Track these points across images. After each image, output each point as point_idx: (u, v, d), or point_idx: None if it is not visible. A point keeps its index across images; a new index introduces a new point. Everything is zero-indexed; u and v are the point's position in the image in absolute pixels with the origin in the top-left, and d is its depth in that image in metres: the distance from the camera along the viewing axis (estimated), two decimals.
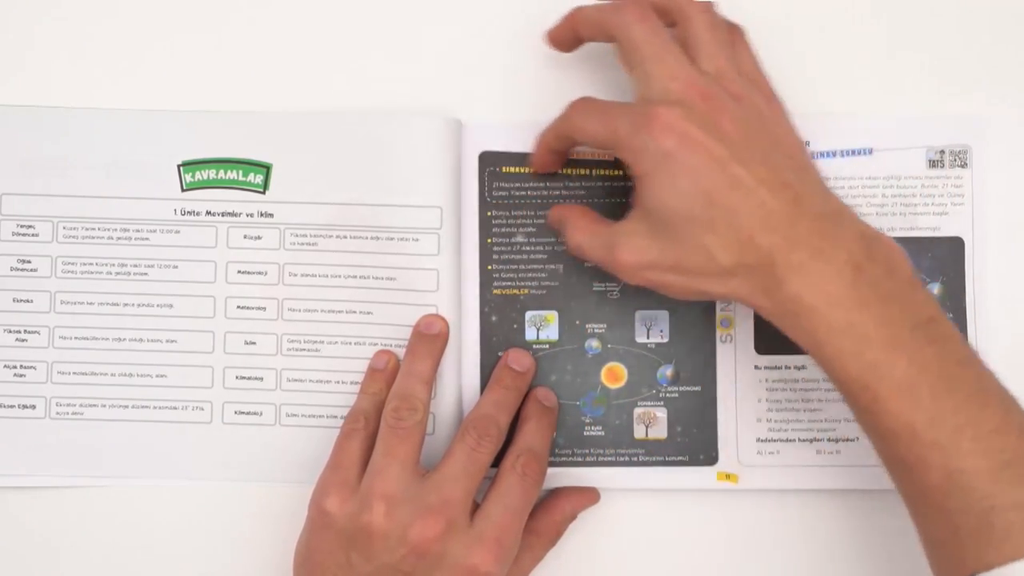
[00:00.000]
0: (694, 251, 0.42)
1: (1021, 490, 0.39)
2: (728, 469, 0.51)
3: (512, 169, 0.52)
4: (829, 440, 0.51)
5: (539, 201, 0.52)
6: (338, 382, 0.51)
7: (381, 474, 0.45)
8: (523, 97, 0.53)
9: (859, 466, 0.51)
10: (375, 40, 0.53)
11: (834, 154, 0.52)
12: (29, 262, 0.51)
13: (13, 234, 0.51)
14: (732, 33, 0.46)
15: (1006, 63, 0.52)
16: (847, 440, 0.51)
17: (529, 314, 0.52)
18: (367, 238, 0.51)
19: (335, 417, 0.51)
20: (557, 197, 0.52)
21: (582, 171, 0.52)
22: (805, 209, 0.42)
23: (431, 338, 0.50)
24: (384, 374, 0.50)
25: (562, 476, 0.51)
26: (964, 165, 0.51)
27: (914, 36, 0.52)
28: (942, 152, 0.51)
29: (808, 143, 0.51)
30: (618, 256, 0.44)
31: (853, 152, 0.51)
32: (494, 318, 0.52)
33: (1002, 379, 0.42)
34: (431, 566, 0.44)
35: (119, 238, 0.51)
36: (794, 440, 0.51)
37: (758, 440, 0.51)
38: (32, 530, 0.52)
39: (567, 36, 0.48)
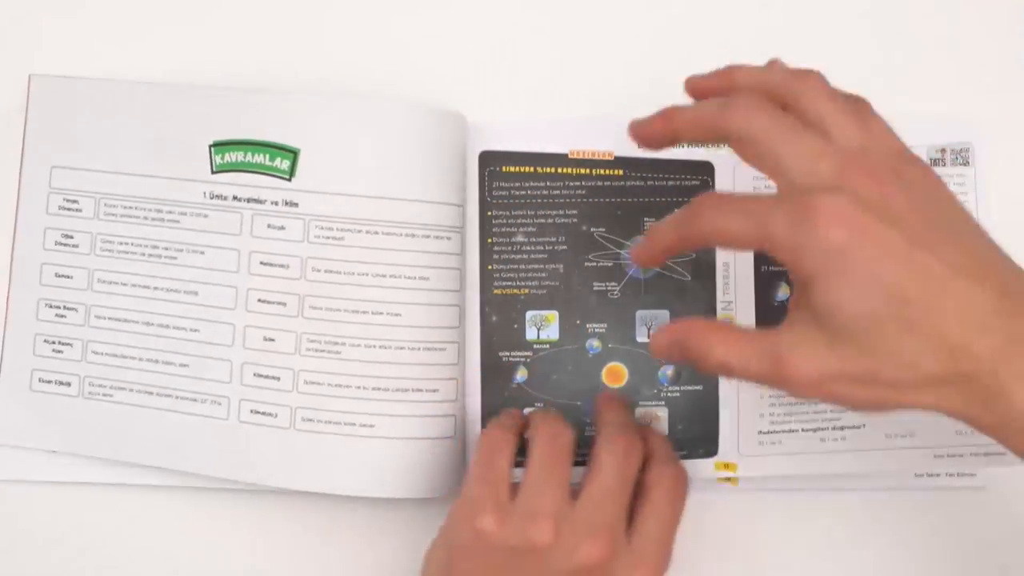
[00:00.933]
0: (890, 359, 0.35)
1: None
2: (727, 459, 0.52)
3: (512, 168, 0.52)
4: (834, 428, 0.51)
5: (539, 201, 0.52)
6: (358, 387, 0.50)
7: (544, 492, 0.44)
8: (523, 96, 0.52)
9: (866, 450, 0.51)
10: (371, 40, 0.53)
11: None
12: (72, 237, 0.51)
13: (60, 208, 0.51)
14: (856, 103, 0.40)
15: (1008, 61, 0.51)
16: (854, 427, 0.51)
17: (530, 314, 0.52)
18: (401, 235, 0.50)
19: (353, 424, 0.50)
20: (558, 196, 0.52)
21: (583, 170, 0.51)
22: (1017, 299, 0.36)
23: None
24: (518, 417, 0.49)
25: None
26: (966, 163, 0.51)
27: (916, 34, 0.52)
28: (943, 150, 0.51)
29: None
30: (790, 370, 0.36)
31: None
32: (494, 318, 0.52)
33: None
34: None
35: (153, 219, 0.51)
36: (797, 430, 0.52)
37: (760, 432, 0.52)
38: (41, 529, 0.53)
39: (661, 137, 0.41)
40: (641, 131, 0.41)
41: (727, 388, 0.52)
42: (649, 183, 0.52)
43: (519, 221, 0.52)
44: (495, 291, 0.52)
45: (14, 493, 0.52)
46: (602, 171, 0.52)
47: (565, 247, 0.50)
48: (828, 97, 0.39)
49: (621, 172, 0.51)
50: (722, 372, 0.38)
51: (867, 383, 0.36)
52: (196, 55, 0.53)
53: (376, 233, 0.50)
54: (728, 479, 0.52)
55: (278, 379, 0.50)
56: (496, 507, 0.44)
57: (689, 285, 0.52)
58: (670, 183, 0.52)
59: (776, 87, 0.39)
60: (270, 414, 0.50)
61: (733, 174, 0.52)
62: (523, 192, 0.52)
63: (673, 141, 0.41)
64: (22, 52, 0.53)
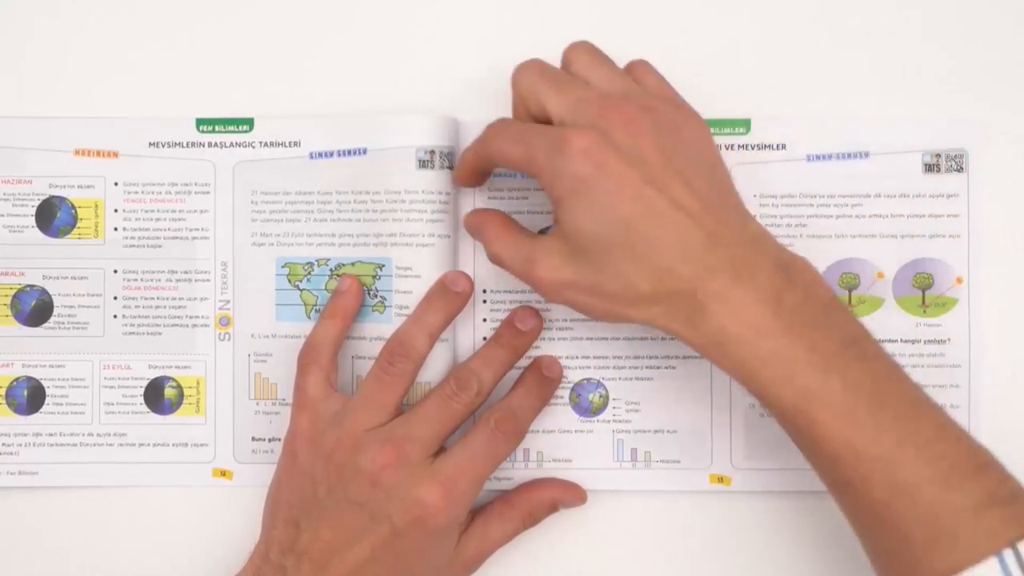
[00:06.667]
0: (613, 277, 0.42)
1: (964, 494, 0.39)
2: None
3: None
4: None
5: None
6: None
7: (355, 414, 0.47)
8: None
9: None
10: (369, 41, 0.53)
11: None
12: None
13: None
14: (631, 62, 0.47)
15: (1004, 67, 0.52)
16: None
17: None
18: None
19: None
20: None
21: None
22: (724, 235, 0.42)
23: (452, 294, 0.49)
24: (355, 301, 0.51)
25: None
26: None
27: (911, 40, 0.52)
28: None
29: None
30: (536, 272, 0.44)
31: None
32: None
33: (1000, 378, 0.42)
34: (385, 498, 0.45)
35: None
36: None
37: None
38: (46, 532, 0.53)
39: (471, 176, 0.49)
40: (459, 179, 0.49)
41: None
42: None
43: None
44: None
45: (13, 493, 0.52)
46: None
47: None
48: (591, 55, 0.46)
49: None
50: (496, 263, 0.47)
51: (595, 294, 0.43)
52: (170, 84, 0.53)
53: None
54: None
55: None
56: (308, 426, 0.48)
57: None
58: None
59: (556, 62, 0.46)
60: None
61: None
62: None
63: (481, 174, 0.49)
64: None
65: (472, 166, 0.48)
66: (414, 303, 0.50)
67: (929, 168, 0.51)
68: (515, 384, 0.50)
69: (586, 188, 0.41)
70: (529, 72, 0.45)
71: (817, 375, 0.40)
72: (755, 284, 0.41)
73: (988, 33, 0.52)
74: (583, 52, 0.46)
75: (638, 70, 0.46)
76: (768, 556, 0.52)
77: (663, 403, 0.52)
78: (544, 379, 0.50)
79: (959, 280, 0.51)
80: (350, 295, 0.50)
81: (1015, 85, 0.52)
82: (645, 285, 0.41)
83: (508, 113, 0.47)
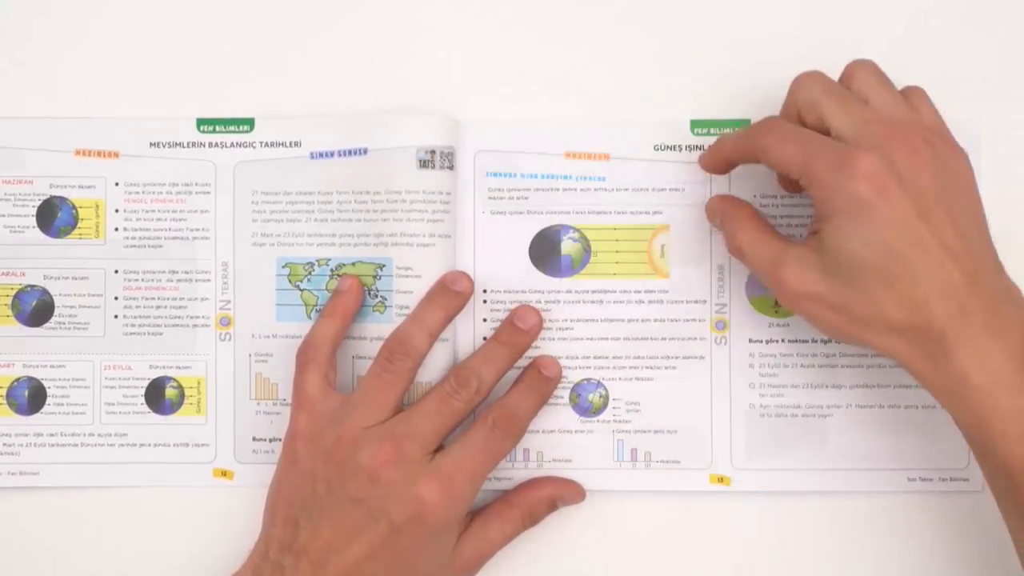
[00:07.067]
0: (865, 300, 0.42)
1: None
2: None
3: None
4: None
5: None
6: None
7: (355, 412, 0.47)
8: (520, 96, 0.52)
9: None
10: (371, 39, 0.53)
11: None
12: None
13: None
14: (909, 87, 0.47)
15: (1007, 68, 0.52)
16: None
17: None
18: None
19: None
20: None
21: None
22: (983, 282, 0.42)
23: (452, 293, 0.49)
24: (355, 300, 0.50)
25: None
26: None
27: (913, 41, 0.52)
28: None
29: None
30: (784, 276, 0.44)
31: None
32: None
33: None
34: (384, 494, 0.45)
35: None
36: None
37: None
38: (40, 530, 0.53)
39: (721, 164, 0.48)
40: (704, 164, 0.49)
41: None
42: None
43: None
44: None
45: (14, 493, 0.53)
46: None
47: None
48: (875, 75, 0.45)
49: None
50: (737, 255, 0.46)
51: (841, 313, 0.43)
52: (167, 84, 0.53)
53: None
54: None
55: None
56: (306, 424, 0.48)
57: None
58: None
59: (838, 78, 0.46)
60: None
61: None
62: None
63: (729, 164, 0.48)
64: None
65: (729, 154, 0.48)
66: (414, 303, 0.50)
67: None
68: (514, 383, 0.50)
69: (864, 210, 0.41)
70: (812, 83, 0.45)
71: None
72: (1005, 336, 0.41)
73: (987, 33, 0.52)
74: (866, 71, 0.45)
75: (915, 97, 0.46)
76: (768, 557, 0.52)
77: (663, 403, 0.52)
78: (543, 378, 0.50)
79: None
80: (350, 295, 0.50)
81: (1015, 85, 0.52)
82: (897, 314, 0.41)
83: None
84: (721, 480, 0.52)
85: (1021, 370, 0.41)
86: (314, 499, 0.46)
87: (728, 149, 0.47)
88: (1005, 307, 0.42)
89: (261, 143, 0.52)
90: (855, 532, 0.52)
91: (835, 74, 0.46)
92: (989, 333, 0.41)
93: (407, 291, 0.50)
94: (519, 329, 0.50)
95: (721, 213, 0.48)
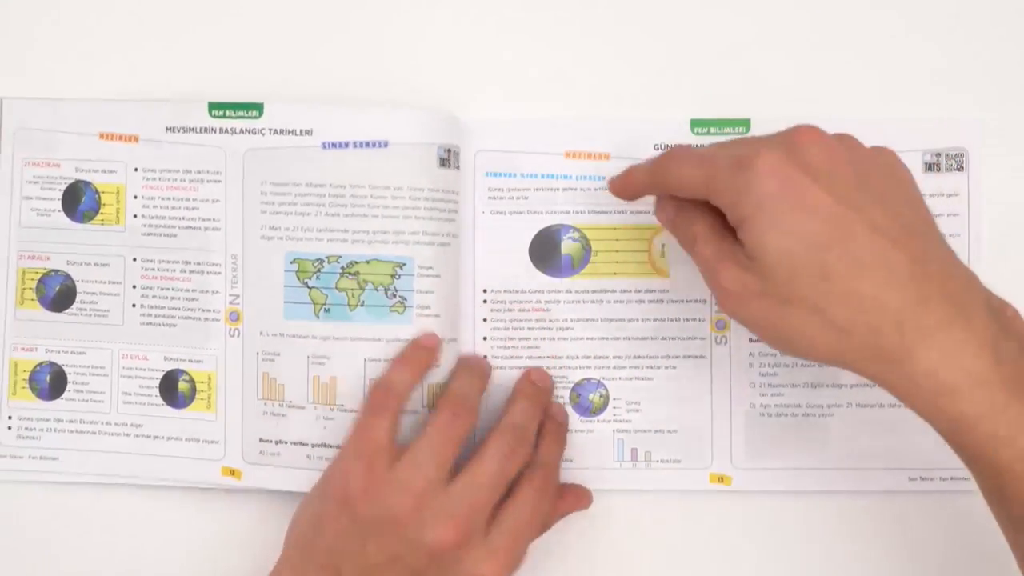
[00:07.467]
0: (801, 305, 0.38)
1: None
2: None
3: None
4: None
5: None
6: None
7: (420, 469, 0.45)
8: (520, 96, 0.53)
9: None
10: (371, 37, 0.53)
11: None
12: None
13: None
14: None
15: (1003, 66, 0.52)
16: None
17: None
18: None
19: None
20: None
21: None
22: (933, 265, 0.38)
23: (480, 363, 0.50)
24: (432, 356, 0.49)
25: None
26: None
27: (910, 39, 0.52)
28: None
29: None
30: (720, 282, 0.41)
31: None
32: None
33: None
34: (441, 570, 0.44)
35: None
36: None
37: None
38: (40, 529, 0.53)
39: (630, 194, 0.47)
40: (612, 187, 0.47)
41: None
42: None
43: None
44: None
45: (14, 493, 0.53)
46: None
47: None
48: None
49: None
50: (688, 248, 0.44)
51: (780, 319, 0.39)
52: (196, 65, 0.54)
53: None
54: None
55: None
56: (368, 473, 0.45)
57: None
58: None
59: None
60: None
61: None
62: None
63: (636, 196, 0.47)
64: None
65: (638, 187, 0.46)
66: (435, 303, 0.49)
67: (929, 167, 0.51)
68: (540, 437, 0.49)
69: (773, 205, 0.38)
70: (680, 161, 0.43)
71: None
72: (971, 326, 0.37)
73: (987, 32, 0.52)
74: None
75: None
76: (768, 556, 0.51)
77: (663, 403, 0.51)
78: (559, 426, 0.50)
79: None
80: (430, 353, 0.49)
81: (1015, 84, 0.52)
82: (842, 313, 0.37)
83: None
84: (721, 479, 0.51)
85: (994, 364, 0.37)
86: (364, 558, 0.45)
87: (637, 181, 0.45)
88: (966, 294, 0.38)
89: (270, 130, 0.51)
90: (856, 531, 0.51)
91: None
92: (954, 324, 0.37)
93: (427, 291, 0.50)
94: (540, 388, 0.50)
95: (670, 221, 0.45)
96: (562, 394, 0.52)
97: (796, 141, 0.39)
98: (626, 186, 0.46)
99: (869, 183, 0.39)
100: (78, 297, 0.52)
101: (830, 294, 0.38)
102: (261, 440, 0.51)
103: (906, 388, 0.38)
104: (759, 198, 0.38)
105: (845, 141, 0.40)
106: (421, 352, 0.49)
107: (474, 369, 0.50)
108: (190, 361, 0.52)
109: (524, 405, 0.49)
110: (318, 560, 0.45)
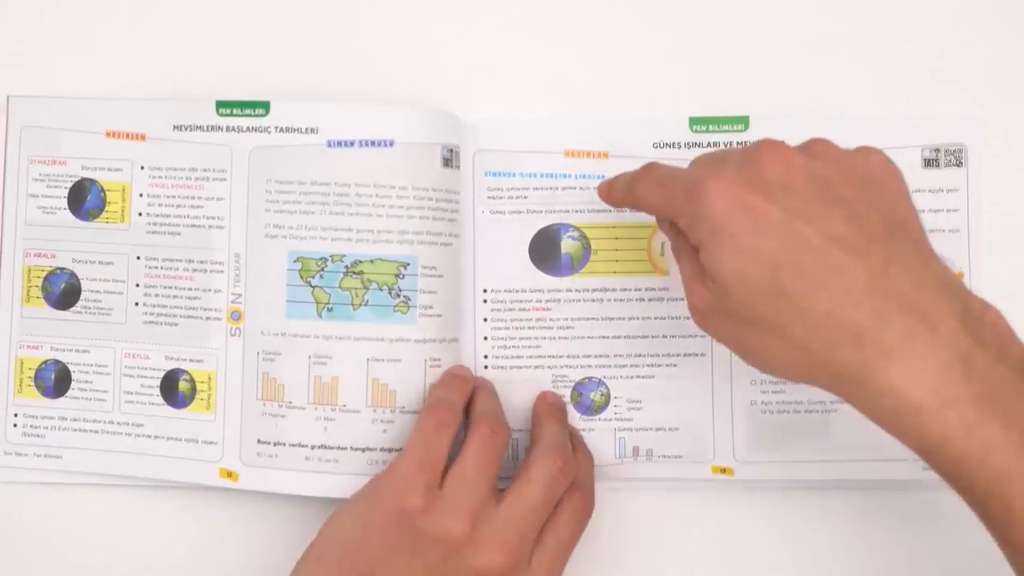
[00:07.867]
0: (761, 327, 0.38)
1: None
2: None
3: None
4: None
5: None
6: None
7: (471, 488, 0.44)
8: (519, 96, 0.53)
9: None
10: (371, 35, 0.54)
11: None
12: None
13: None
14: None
15: (1002, 62, 0.52)
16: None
17: None
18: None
19: None
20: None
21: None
22: (895, 276, 0.36)
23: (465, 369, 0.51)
24: (469, 386, 0.49)
25: None
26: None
27: (909, 35, 0.52)
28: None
29: None
30: (692, 303, 0.41)
31: None
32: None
33: None
34: None
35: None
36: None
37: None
38: (40, 529, 0.53)
39: (612, 200, 0.47)
40: (600, 191, 0.47)
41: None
42: None
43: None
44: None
45: (17, 492, 0.53)
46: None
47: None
48: None
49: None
50: (676, 254, 0.43)
51: (744, 340, 0.39)
52: (193, 65, 0.54)
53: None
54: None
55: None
56: (427, 490, 0.44)
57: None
58: None
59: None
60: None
61: None
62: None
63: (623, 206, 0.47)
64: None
65: (619, 201, 0.46)
66: (437, 303, 0.50)
67: (928, 163, 0.51)
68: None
69: (724, 227, 0.38)
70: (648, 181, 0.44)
71: (1016, 456, 0.35)
72: (937, 339, 0.35)
73: (986, 28, 0.52)
74: None
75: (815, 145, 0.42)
76: (772, 546, 0.51)
77: (665, 401, 0.51)
78: (584, 444, 0.51)
79: (959, 274, 0.51)
80: (467, 383, 0.50)
81: (1014, 80, 0.52)
82: (800, 332, 0.37)
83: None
84: (723, 471, 0.51)
85: (963, 378, 0.35)
86: (407, 572, 0.44)
87: (616, 196, 0.46)
88: (934, 303, 0.36)
89: (276, 128, 0.51)
90: (855, 524, 0.51)
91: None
92: (916, 338, 0.35)
93: (431, 291, 0.50)
94: (560, 409, 0.51)
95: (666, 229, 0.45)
96: (563, 393, 0.52)
97: (752, 158, 0.39)
98: (609, 196, 0.47)
99: (834, 190, 0.38)
100: (82, 295, 0.52)
101: (787, 312, 0.37)
102: (259, 441, 0.51)
103: (871, 408, 0.37)
104: (711, 221, 0.38)
105: (813, 148, 0.39)
106: (461, 380, 0.49)
107: (487, 387, 0.50)
108: (191, 361, 0.52)
109: (555, 427, 0.49)
110: (358, 567, 0.45)
